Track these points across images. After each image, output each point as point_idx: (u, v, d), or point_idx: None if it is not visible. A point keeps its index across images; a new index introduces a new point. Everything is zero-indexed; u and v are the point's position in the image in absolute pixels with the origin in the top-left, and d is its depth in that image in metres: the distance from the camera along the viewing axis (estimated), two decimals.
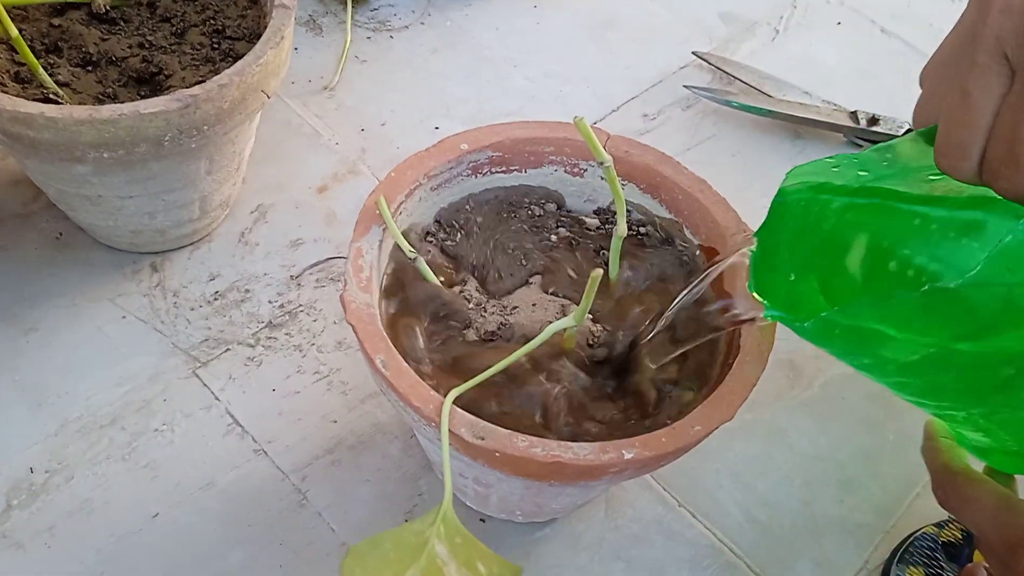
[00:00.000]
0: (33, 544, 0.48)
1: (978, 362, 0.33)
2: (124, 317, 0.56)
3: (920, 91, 0.35)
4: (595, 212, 0.50)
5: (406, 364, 0.39)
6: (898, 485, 0.56)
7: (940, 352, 0.33)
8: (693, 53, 0.79)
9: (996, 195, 0.32)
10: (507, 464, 0.37)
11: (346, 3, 0.76)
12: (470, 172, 0.48)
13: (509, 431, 0.37)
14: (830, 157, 0.38)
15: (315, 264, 0.61)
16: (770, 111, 0.74)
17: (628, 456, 0.36)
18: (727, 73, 0.77)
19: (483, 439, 0.37)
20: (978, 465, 0.41)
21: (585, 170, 0.49)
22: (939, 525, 0.53)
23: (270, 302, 0.58)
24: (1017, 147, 0.29)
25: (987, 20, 0.30)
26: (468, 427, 0.37)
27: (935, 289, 0.31)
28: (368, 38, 0.76)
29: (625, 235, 0.46)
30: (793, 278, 0.38)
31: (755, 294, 0.39)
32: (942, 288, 0.31)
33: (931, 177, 0.35)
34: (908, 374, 0.35)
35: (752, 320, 0.39)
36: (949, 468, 0.40)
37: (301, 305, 0.59)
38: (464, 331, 0.43)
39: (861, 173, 0.37)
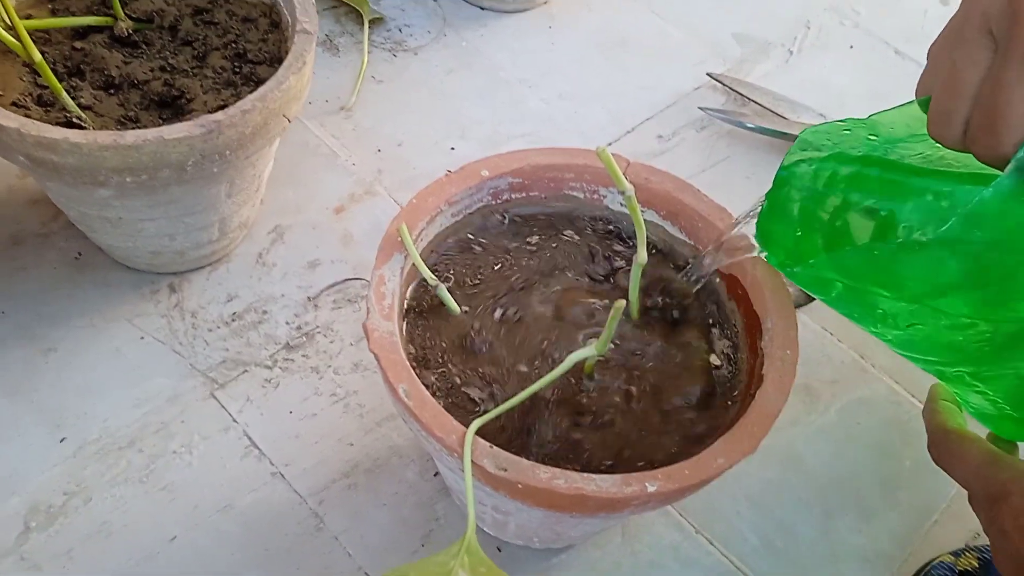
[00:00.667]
0: (51, 567, 0.48)
1: (955, 320, 0.35)
2: (142, 338, 0.57)
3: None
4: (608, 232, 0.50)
5: (428, 393, 0.39)
6: (915, 513, 0.56)
7: (920, 309, 0.35)
8: (707, 74, 0.79)
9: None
10: (529, 495, 0.37)
11: (363, 23, 0.77)
12: (490, 198, 0.48)
13: (532, 463, 0.37)
14: (841, 120, 0.40)
15: (332, 285, 0.61)
16: (784, 132, 0.74)
17: (651, 489, 0.36)
18: (741, 94, 0.78)
19: (505, 470, 0.37)
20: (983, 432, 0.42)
21: (604, 196, 0.49)
22: (956, 554, 0.53)
23: (287, 323, 0.59)
24: (994, 115, 0.32)
25: (977, 1, 0.33)
26: (491, 458, 0.37)
27: (910, 242, 0.33)
28: (385, 58, 0.76)
29: (645, 263, 0.46)
30: (799, 233, 0.40)
31: (758, 243, 0.41)
32: (916, 241, 0.33)
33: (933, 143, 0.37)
34: (897, 326, 0.37)
35: (743, 251, 0.41)
36: (943, 427, 0.42)
37: (318, 326, 0.59)
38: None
39: (871, 137, 0.39)
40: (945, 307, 0.34)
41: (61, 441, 0.52)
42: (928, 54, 0.37)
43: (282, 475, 0.52)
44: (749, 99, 0.77)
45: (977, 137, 0.33)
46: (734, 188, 0.72)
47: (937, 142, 0.35)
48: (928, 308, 0.35)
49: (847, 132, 0.40)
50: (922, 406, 0.60)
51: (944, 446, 0.42)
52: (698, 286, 0.46)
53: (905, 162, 0.38)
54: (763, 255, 0.41)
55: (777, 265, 0.41)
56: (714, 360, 0.45)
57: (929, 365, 0.39)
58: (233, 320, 0.58)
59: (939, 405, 0.44)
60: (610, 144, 0.74)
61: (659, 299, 0.46)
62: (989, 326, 0.35)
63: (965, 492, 0.56)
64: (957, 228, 0.32)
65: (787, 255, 0.40)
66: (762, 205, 0.41)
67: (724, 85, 0.78)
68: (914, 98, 0.37)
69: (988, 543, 0.53)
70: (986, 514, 0.39)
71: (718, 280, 0.47)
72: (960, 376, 0.38)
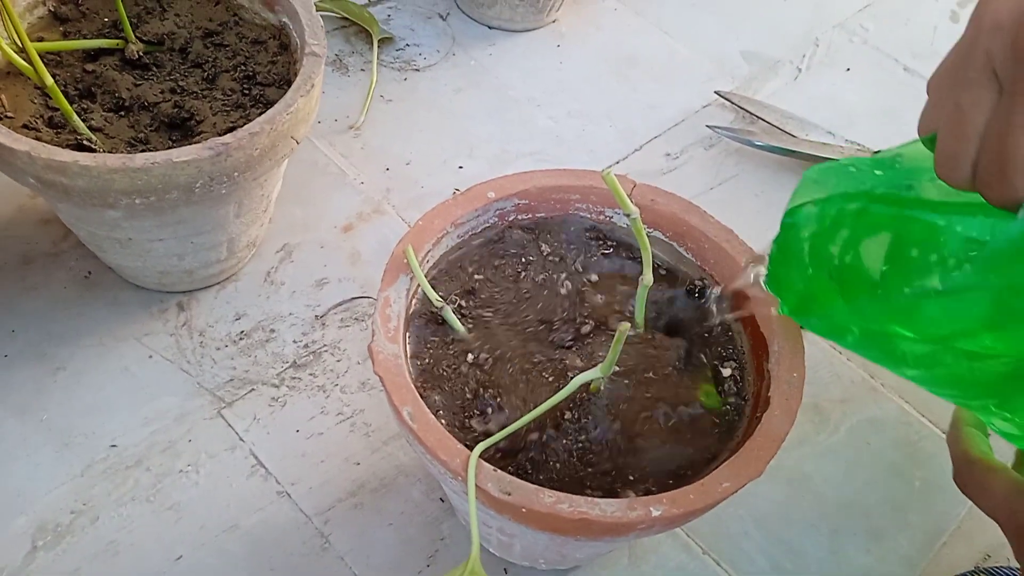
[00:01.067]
0: None
1: (978, 357, 0.34)
2: (151, 357, 0.57)
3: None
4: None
5: (432, 416, 0.39)
6: (925, 535, 0.56)
7: (941, 348, 0.35)
8: (715, 92, 0.80)
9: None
10: (533, 520, 0.37)
11: (372, 43, 0.77)
12: (496, 220, 0.48)
13: (536, 487, 0.37)
14: (847, 159, 0.40)
15: (339, 304, 0.61)
16: (793, 151, 0.74)
17: (656, 513, 0.36)
18: (749, 112, 0.78)
19: (509, 494, 0.37)
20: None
21: (611, 217, 0.49)
22: None
23: (295, 342, 0.59)
24: (1002, 159, 0.31)
25: (979, 37, 0.32)
26: (495, 482, 0.37)
27: (924, 291, 0.33)
28: (394, 77, 0.77)
29: (651, 284, 0.46)
30: (811, 273, 0.40)
31: (770, 290, 0.41)
32: (931, 290, 0.32)
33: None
34: (918, 366, 0.37)
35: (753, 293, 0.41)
36: (967, 456, 0.42)
37: (325, 345, 0.59)
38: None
39: (877, 172, 0.39)
40: (967, 346, 0.34)
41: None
42: (928, 88, 0.36)
43: (288, 494, 0.52)
44: (757, 117, 0.77)
45: (987, 181, 0.32)
46: (742, 206, 0.72)
47: (947, 184, 0.34)
48: (950, 347, 0.35)
49: (852, 170, 0.39)
50: (932, 426, 0.60)
51: (969, 476, 0.42)
52: (710, 324, 0.46)
53: (914, 196, 0.37)
54: (775, 305, 0.41)
55: (790, 314, 0.40)
56: (720, 379, 0.45)
57: (953, 398, 0.39)
58: (241, 339, 0.58)
59: (964, 432, 0.43)
60: (618, 162, 0.74)
61: (665, 322, 0.46)
62: (1014, 361, 0.35)
63: (975, 514, 0.56)
64: (972, 274, 0.32)
65: (800, 301, 0.40)
66: (771, 250, 0.41)
67: (732, 103, 0.79)
68: (918, 135, 0.37)
69: (998, 565, 0.53)
70: (1017, 544, 0.39)
71: (724, 303, 0.47)
72: (985, 407, 0.38)
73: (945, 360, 0.36)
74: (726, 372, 0.45)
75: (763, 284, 0.42)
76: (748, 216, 0.66)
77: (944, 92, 0.34)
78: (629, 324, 0.38)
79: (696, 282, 0.48)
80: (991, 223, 0.35)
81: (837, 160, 0.41)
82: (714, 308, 0.46)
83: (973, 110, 0.32)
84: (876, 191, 0.38)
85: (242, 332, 0.59)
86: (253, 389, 0.56)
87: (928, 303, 0.34)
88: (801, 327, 0.42)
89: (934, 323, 0.34)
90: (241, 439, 0.54)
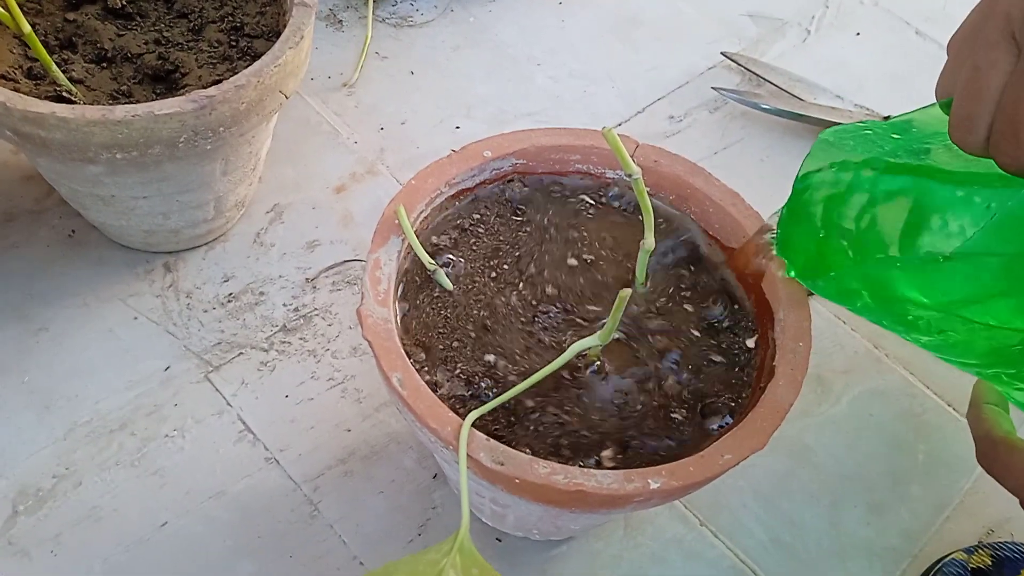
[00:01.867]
0: (39, 552, 0.47)
1: (990, 328, 0.34)
2: (136, 318, 0.55)
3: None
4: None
5: (423, 383, 0.37)
6: (927, 508, 0.54)
7: (953, 316, 0.34)
8: (722, 53, 0.77)
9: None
10: (526, 491, 0.36)
11: None
12: (493, 179, 0.46)
13: (530, 456, 0.35)
14: (862, 122, 0.39)
15: (331, 267, 0.59)
16: (800, 115, 0.72)
17: (654, 486, 0.35)
18: (756, 75, 0.75)
19: (502, 464, 0.35)
20: None
21: (612, 179, 0.48)
22: (968, 551, 0.51)
23: (284, 305, 0.57)
24: (1018, 123, 0.31)
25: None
26: (487, 452, 0.35)
27: (931, 256, 0.33)
28: (390, 34, 0.74)
29: (652, 249, 0.44)
30: (822, 236, 0.39)
31: (778, 253, 0.40)
32: (938, 255, 0.33)
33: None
34: (929, 332, 0.36)
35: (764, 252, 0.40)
36: (991, 436, 0.42)
37: (316, 309, 0.57)
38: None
39: (895, 136, 0.38)
40: (978, 315, 0.33)
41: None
42: (948, 48, 0.35)
43: (277, 461, 0.51)
44: (764, 80, 0.75)
45: (1000, 145, 0.32)
46: (748, 171, 0.70)
47: (959, 148, 0.34)
48: (962, 316, 0.34)
49: (869, 132, 0.38)
50: (936, 398, 0.59)
51: (994, 457, 0.41)
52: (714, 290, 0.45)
53: (931, 164, 0.36)
54: (783, 268, 0.40)
55: (798, 276, 0.39)
56: (724, 346, 0.43)
57: (964, 367, 0.38)
58: (229, 301, 0.57)
59: (984, 411, 0.43)
60: (620, 124, 0.72)
61: (669, 287, 0.44)
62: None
63: (978, 488, 0.55)
64: (982, 240, 0.31)
65: (808, 263, 0.39)
66: (781, 212, 0.40)
67: (739, 65, 0.76)
68: (935, 96, 0.36)
69: (1001, 540, 0.52)
70: None
71: (729, 269, 0.46)
72: (998, 376, 0.37)
73: (957, 327, 0.35)
74: (729, 339, 0.43)
75: (771, 246, 0.41)
76: (753, 180, 0.64)
77: (963, 53, 0.34)
78: (630, 290, 0.36)
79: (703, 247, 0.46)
80: (1009, 193, 0.34)
81: (853, 123, 0.39)
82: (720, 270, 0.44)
83: (990, 72, 0.31)
84: (893, 158, 0.37)
85: (230, 294, 0.57)
86: (241, 353, 0.55)
87: (940, 268, 0.34)
88: (809, 292, 0.41)
89: (946, 289, 0.34)
90: (229, 404, 0.53)
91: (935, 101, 0.37)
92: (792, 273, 0.40)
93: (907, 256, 0.36)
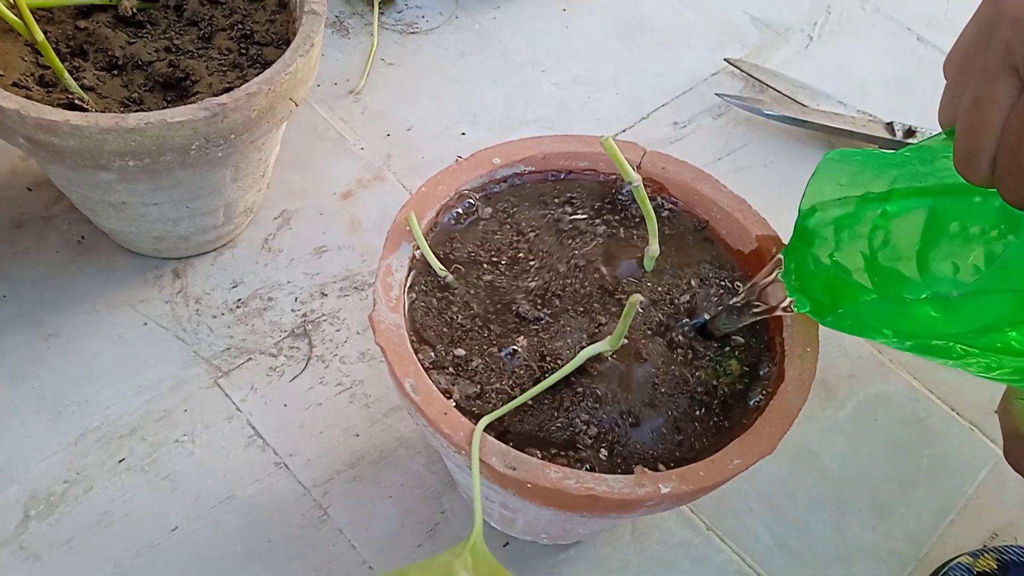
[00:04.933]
0: (50, 556, 0.47)
1: (1014, 351, 0.34)
2: (146, 324, 0.56)
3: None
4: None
5: (436, 389, 0.37)
6: (932, 513, 0.55)
7: (973, 344, 0.34)
8: (725, 60, 0.78)
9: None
10: (538, 495, 0.36)
11: (373, 5, 0.75)
12: (502, 186, 0.47)
13: (542, 462, 0.36)
14: (867, 149, 0.39)
15: (339, 273, 0.59)
16: (803, 121, 0.73)
17: (665, 490, 0.35)
18: (759, 81, 0.76)
19: (514, 469, 0.35)
20: None
21: (621, 186, 0.48)
22: (974, 555, 0.52)
23: (293, 311, 0.58)
24: (1020, 159, 0.30)
25: (999, 26, 0.30)
26: (499, 456, 0.36)
27: (937, 297, 0.32)
28: (396, 40, 0.75)
29: (657, 255, 0.44)
30: (834, 259, 0.38)
31: (788, 292, 0.39)
32: (944, 296, 0.32)
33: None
34: (952, 356, 0.35)
35: (778, 307, 0.39)
36: (1019, 433, 0.40)
37: (324, 314, 0.58)
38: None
39: (905, 153, 0.37)
40: (997, 342, 0.33)
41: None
42: (945, 70, 0.34)
43: (286, 465, 0.51)
44: (767, 85, 0.75)
45: (1004, 181, 0.31)
46: (752, 176, 0.71)
47: (966, 180, 0.33)
48: (981, 343, 0.33)
49: (876, 155, 0.38)
50: (940, 403, 0.59)
51: (1022, 454, 0.40)
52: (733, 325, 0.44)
53: (940, 183, 0.36)
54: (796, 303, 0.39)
55: (810, 313, 0.38)
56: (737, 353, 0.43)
57: (993, 380, 0.38)
58: (238, 307, 0.57)
59: (1016, 407, 0.41)
60: (624, 131, 0.72)
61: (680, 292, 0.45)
62: None
63: (983, 492, 0.56)
64: (988, 280, 0.31)
65: (822, 294, 0.38)
66: (786, 248, 0.39)
67: (742, 71, 0.77)
68: (939, 123, 0.36)
69: (1006, 544, 0.52)
70: None
71: (737, 272, 0.46)
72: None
73: (983, 353, 0.34)
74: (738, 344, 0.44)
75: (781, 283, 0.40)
76: (757, 186, 0.64)
77: (961, 80, 0.33)
78: (639, 296, 0.37)
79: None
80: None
81: (857, 149, 0.39)
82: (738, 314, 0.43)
83: (991, 107, 0.30)
84: (904, 180, 0.36)
85: (239, 300, 0.58)
86: (250, 358, 0.55)
87: (944, 307, 0.33)
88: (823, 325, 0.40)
89: (955, 325, 0.33)
90: (238, 409, 0.53)
91: (934, 137, 0.36)
92: (806, 309, 0.39)
93: (920, 290, 0.35)
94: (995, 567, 0.51)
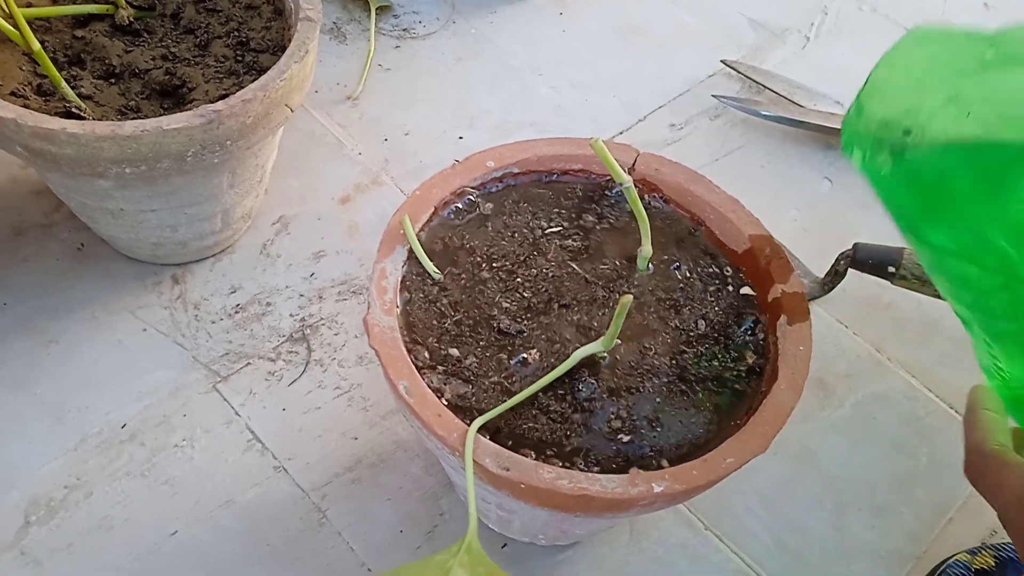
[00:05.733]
0: (51, 561, 0.47)
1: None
2: (145, 330, 0.56)
3: None
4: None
5: (429, 391, 0.38)
6: (931, 510, 0.55)
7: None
8: (722, 61, 0.78)
9: None
10: (532, 495, 0.36)
11: (370, 11, 0.76)
12: (497, 188, 0.47)
13: (535, 462, 0.36)
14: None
15: (336, 277, 0.60)
16: (800, 121, 0.73)
17: (658, 489, 0.35)
18: (756, 82, 0.76)
19: (508, 470, 0.36)
20: None
21: (615, 187, 0.48)
22: (972, 552, 0.52)
23: (291, 315, 0.58)
24: None
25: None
26: (492, 457, 0.36)
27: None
28: (393, 46, 0.75)
29: (650, 255, 0.45)
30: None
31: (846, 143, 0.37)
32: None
33: None
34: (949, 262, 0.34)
35: None
36: (981, 448, 0.39)
37: (322, 319, 0.58)
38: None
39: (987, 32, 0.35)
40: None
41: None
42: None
43: (285, 469, 0.52)
44: (764, 87, 0.76)
45: None
46: (749, 177, 0.71)
47: None
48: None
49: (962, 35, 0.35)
50: (939, 401, 0.59)
51: (982, 470, 0.38)
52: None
53: None
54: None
55: (865, 165, 0.35)
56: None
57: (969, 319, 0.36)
58: (236, 312, 0.57)
59: (980, 418, 0.40)
60: (622, 133, 0.72)
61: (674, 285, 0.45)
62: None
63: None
64: None
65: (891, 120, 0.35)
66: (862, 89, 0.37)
67: (739, 72, 0.77)
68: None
69: (1005, 542, 0.52)
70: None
71: (730, 271, 0.46)
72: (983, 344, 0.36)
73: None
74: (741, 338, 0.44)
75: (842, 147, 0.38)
76: (754, 187, 0.64)
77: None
78: (631, 296, 0.37)
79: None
80: None
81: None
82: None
83: None
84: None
85: (238, 305, 0.58)
86: (249, 363, 0.55)
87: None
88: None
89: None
90: (237, 413, 0.53)
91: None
92: (859, 154, 0.36)
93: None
94: (993, 564, 0.51)
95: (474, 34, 0.78)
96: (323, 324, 0.58)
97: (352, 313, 0.59)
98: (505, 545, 0.50)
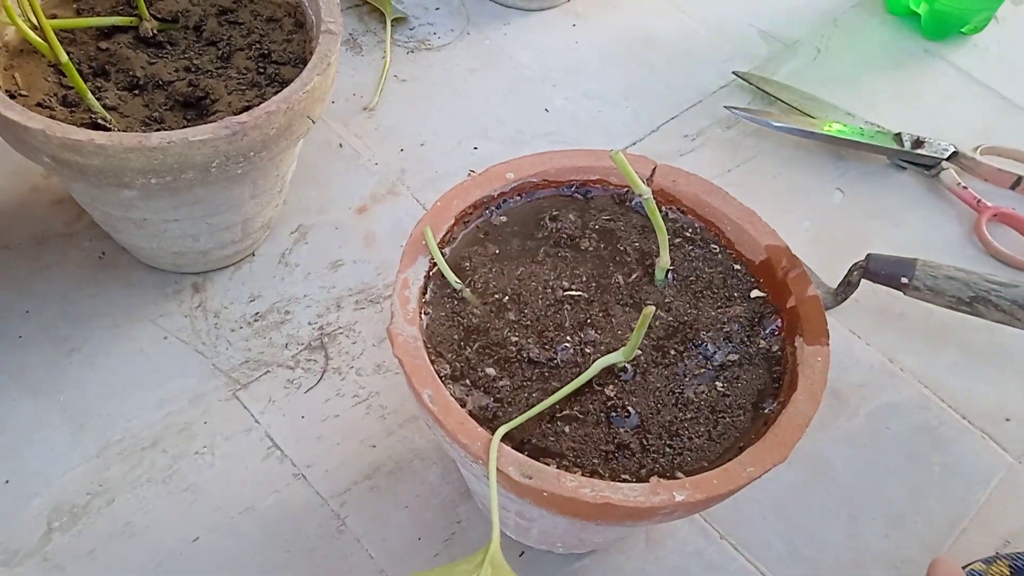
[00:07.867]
0: (74, 567, 0.48)
1: None
2: (166, 338, 0.57)
3: None
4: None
5: (453, 400, 0.38)
6: (945, 520, 0.55)
7: None
8: (733, 72, 0.79)
9: None
10: (554, 504, 0.37)
11: (386, 23, 0.76)
12: (516, 199, 0.47)
13: (558, 471, 0.36)
14: None
15: (355, 287, 0.60)
16: (812, 132, 0.73)
17: (679, 498, 0.36)
18: (768, 93, 0.77)
19: (531, 478, 0.36)
20: None
21: (634, 198, 0.49)
22: (986, 561, 0.52)
23: (310, 324, 0.58)
24: None
25: None
26: (516, 465, 0.36)
27: None
28: (408, 57, 0.76)
29: (668, 266, 0.45)
30: None
31: None
32: None
33: None
34: None
35: None
36: None
37: (340, 327, 0.58)
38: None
39: None
40: None
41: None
42: None
43: (304, 476, 0.52)
44: (776, 98, 0.76)
45: None
46: (761, 188, 0.71)
47: None
48: None
49: None
50: (952, 411, 0.60)
51: None
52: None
53: None
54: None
55: None
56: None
57: None
58: (256, 320, 0.58)
59: None
60: (634, 143, 0.73)
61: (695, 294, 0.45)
62: None
63: (995, 500, 0.56)
64: None
65: None
66: None
67: (750, 84, 0.78)
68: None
69: (1019, 551, 0.52)
70: None
71: (748, 282, 0.46)
72: None
73: None
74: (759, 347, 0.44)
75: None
76: (766, 198, 0.65)
77: None
78: (653, 308, 0.37)
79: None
80: None
81: None
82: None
83: None
84: None
85: (257, 314, 0.58)
86: (268, 371, 0.56)
87: None
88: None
89: None
90: (257, 421, 0.54)
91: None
92: None
93: None
94: (1007, 574, 0.51)
95: (488, 45, 0.78)
96: (341, 332, 0.58)
97: (369, 322, 0.59)
98: (523, 553, 0.51)
